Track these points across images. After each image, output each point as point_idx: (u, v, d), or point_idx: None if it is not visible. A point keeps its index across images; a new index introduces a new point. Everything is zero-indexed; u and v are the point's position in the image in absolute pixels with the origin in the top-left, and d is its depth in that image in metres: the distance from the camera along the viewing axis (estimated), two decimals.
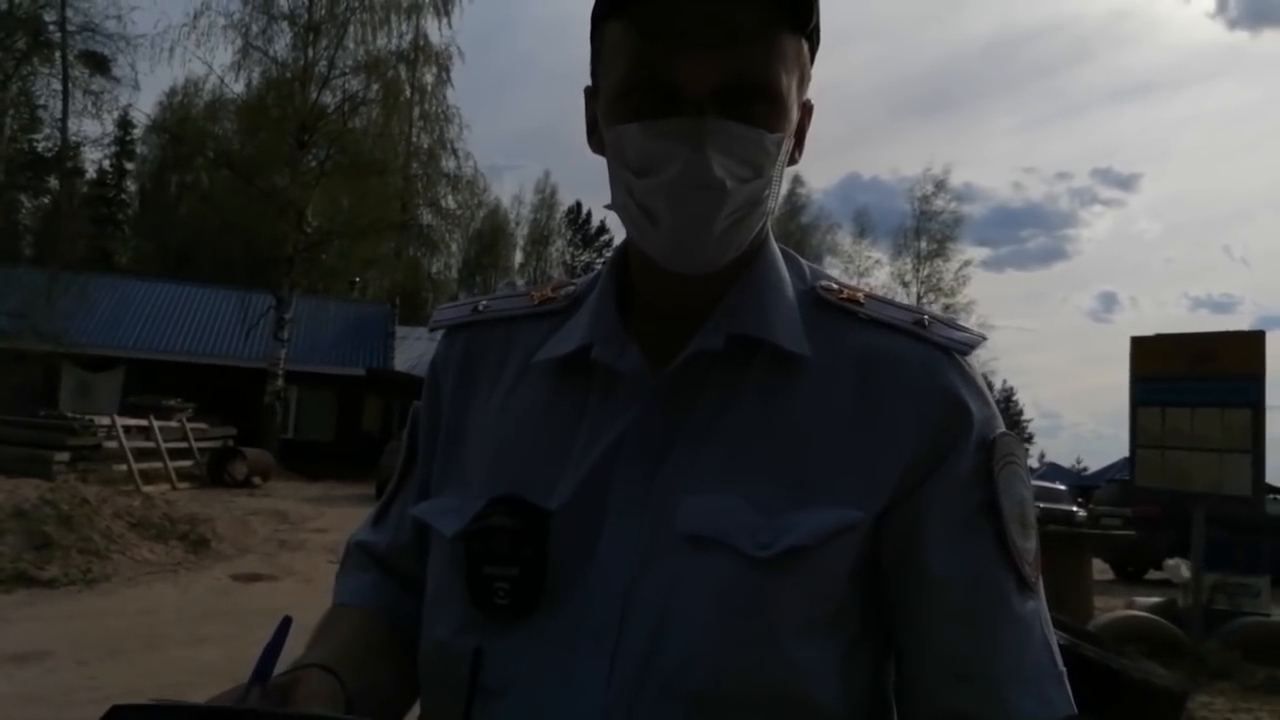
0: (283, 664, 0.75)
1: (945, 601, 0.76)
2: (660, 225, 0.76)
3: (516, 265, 49.88)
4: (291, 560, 10.08)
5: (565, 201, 53.93)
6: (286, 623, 0.73)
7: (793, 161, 0.84)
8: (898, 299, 0.92)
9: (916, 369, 0.80)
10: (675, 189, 0.74)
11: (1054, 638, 0.79)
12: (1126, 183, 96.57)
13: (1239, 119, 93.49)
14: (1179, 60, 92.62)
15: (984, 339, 0.85)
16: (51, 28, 20.56)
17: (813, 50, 0.81)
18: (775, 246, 0.88)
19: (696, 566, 0.74)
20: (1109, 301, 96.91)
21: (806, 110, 0.84)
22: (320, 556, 10.37)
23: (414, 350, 27.44)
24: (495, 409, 0.87)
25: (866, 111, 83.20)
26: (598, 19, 0.80)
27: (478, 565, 0.77)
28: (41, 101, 21.45)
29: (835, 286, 0.87)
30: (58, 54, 20.83)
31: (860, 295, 0.86)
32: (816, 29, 0.80)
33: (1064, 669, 0.78)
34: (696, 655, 0.72)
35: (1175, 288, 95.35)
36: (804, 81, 0.81)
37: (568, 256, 53.61)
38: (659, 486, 0.78)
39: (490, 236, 47.58)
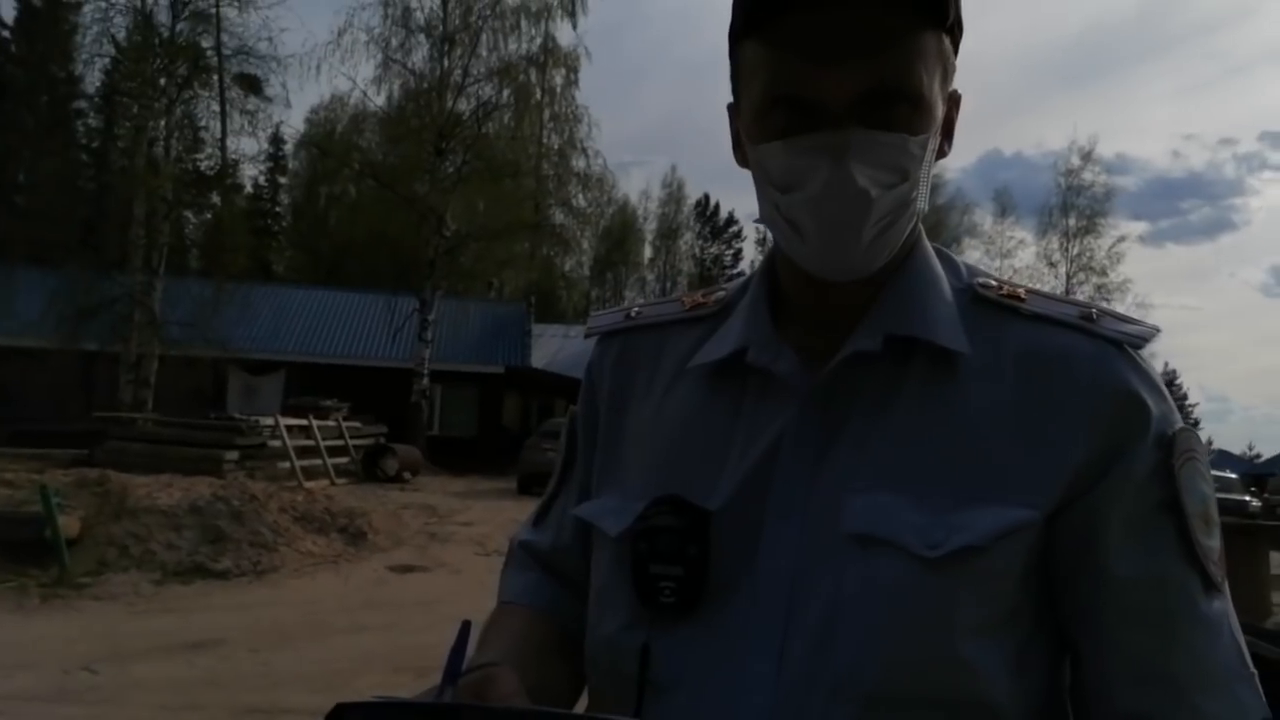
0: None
1: (1128, 603, 0.74)
2: (808, 239, 0.77)
3: (646, 260, 50.31)
4: (441, 552, 10.49)
5: (693, 195, 54.04)
6: (467, 626, 0.75)
7: (942, 155, 0.83)
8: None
9: (1087, 364, 0.77)
10: (820, 203, 0.74)
11: (1243, 638, 0.77)
12: None
13: None
14: None
15: (1158, 330, 0.82)
16: (209, 53, 21.94)
17: (955, 42, 0.80)
18: (929, 245, 0.87)
19: (864, 566, 0.74)
20: None
21: (954, 101, 0.83)
22: (467, 548, 10.75)
23: (550, 347, 28.03)
24: (651, 412, 0.89)
25: (1007, 83, 79.94)
26: (735, 37, 0.80)
27: (643, 564, 0.79)
28: (202, 123, 22.87)
29: (994, 283, 0.84)
30: (215, 78, 22.21)
31: (1021, 291, 0.84)
32: (958, 22, 0.78)
33: (1255, 670, 0.75)
34: (867, 655, 0.72)
35: None
36: (948, 75, 0.79)
37: (696, 250, 53.67)
38: (820, 486, 0.78)
39: (620, 233, 48.10)
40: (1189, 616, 0.74)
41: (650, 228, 51.74)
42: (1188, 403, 58.91)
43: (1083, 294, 37.75)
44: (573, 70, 26.81)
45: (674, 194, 52.36)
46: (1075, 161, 38.30)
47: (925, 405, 0.78)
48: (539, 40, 25.76)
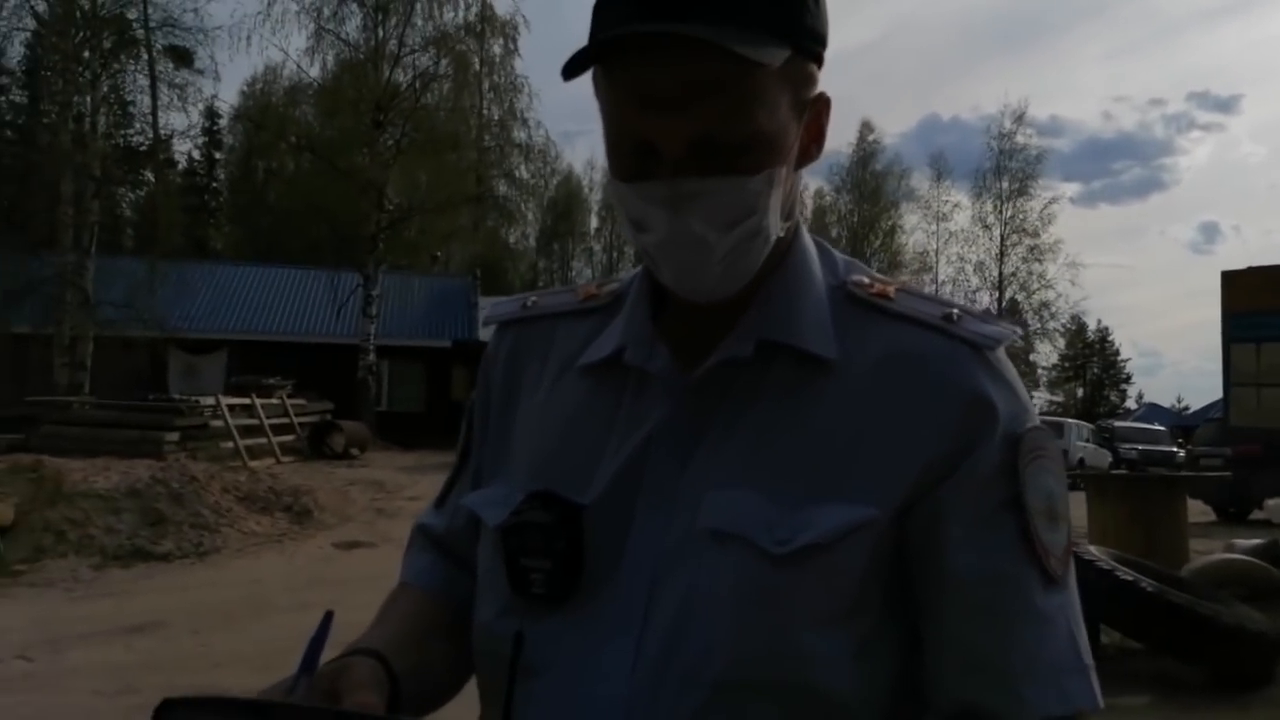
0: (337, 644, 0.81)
1: (963, 598, 0.77)
2: (663, 272, 0.81)
3: (592, 230, 49.99)
4: (389, 527, 10.47)
5: None
6: (329, 617, 0.77)
7: (809, 159, 0.85)
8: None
9: (940, 365, 0.80)
10: (665, 247, 0.78)
11: (1082, 632, 0.80)
12: (1226, 105, 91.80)
13: None
14: None
15: (1016, 332, 0.85)
16: (135, 25, 21.31)
17: (815, 52, 0.80)
18: (807, 242, 0.88)
19: (717, 560, 0.77)
20: (1210, 232, 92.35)
21: (822, 105, 0.83)
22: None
23: None
24: (538, 405, 0.92)
25: (944, 48, 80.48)
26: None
27: (515, 557, 0.82)
28: (130, 97, 22.34)
29: (867, 281, 0.87)
30: (142, 50, 21.61)
31: (891, 290, 0.86)
32: (810, 36, 0.79)
33: (1092, 662, 0.78)
34: (715, 646, 0.76)
35: None
36: (801, 90, 0.80)
37: None
38: (686, 483, 0.81)
39: (565, 204, 47.69)
40: (1023, 611, 0.77)
41: (596, 198, 51.17)
42: (1120, 358, 60.42)
43: (1016, 255, 38.52)
44: (511, 39, 26.55)
45: None
46: (1008, 125, 38.93)
47: (789, 405, 0.81)
48: (475, 9, 25.43)
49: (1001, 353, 0.83)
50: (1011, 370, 0.83)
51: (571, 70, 0.76)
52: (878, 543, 0.77)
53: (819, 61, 0.81)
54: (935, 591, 0.78)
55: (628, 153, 0.77)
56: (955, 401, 0.79)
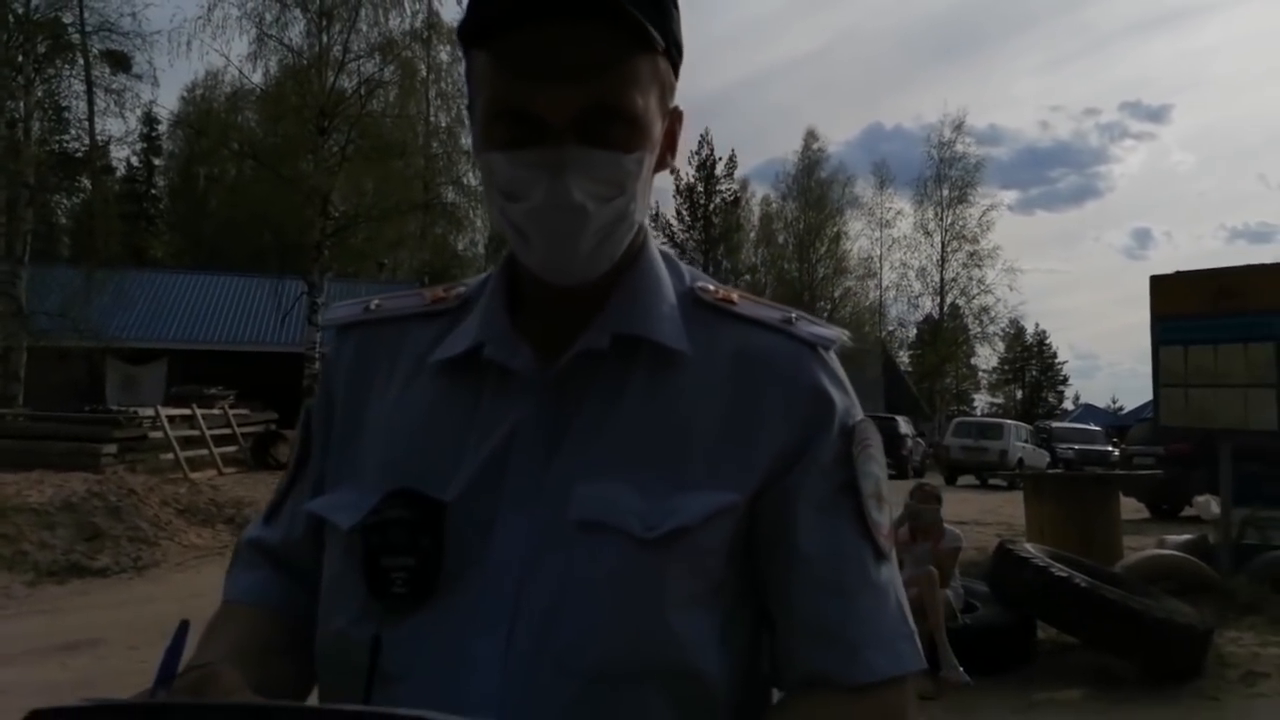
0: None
1: (812, 574, 0.83)
2: (532, 245, 0.82)
3: None
4: None
5: None
6: (184, 626, 0.74)
7: (664, 166, 0.90)
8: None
9: (786, 362, 0.87)
10: (540, 214, 0.80)
11: (905, 600, 0.88)
12: (1157, 115, 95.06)
13: (1272, 41, 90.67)
14: None
15: (845, 334, 0.93)
16: (70, 29, 20.80)
17: (675, 63, 0.86)
18: (655, 249, 0.93)
19: (589, 550, 0.80)
20: (1143, 238, 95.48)
21: (676, 116, 0.90)
22: None
23: None
24: (389, 406, 0.90)
25: (887, 58, 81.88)
26: (465, 44, 0.82)
27: (375, 557, 0.81)
28: (66, 103, 21.73)
29: (712, 288, 0.92)
30: (78, 55, 21.08)
31: (734, 295, 0.92)
32: (676, 45, 0.84)
33: (915, 628, 0.87)
34: (590, 632, 0.78)
35: (1211, 219, 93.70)
36: (666, 94, 0.86)
37: None
38: (551, 477, 0.82)
39: None
40: (861, 584, 0.84)
41: None
42: (1057, 361, 61.78)
43: (956, 261, 39.35)
44: (458, 46, 26.32)
45: None
46: (947, 134, 39.72)
47: (649, 399, 0.85)
48: (421, 15, 25.20)
49: (833, 353, 0.90)
50: (840, 369, 0.91)
51: (480, 36, 0.79)
52: (736, 527, 0.83)
53: (678, 74, 0.87)
54: (784, 570, 0.84)
55: (507, 123, 0.80)
56: (802, 397, 0.86)
